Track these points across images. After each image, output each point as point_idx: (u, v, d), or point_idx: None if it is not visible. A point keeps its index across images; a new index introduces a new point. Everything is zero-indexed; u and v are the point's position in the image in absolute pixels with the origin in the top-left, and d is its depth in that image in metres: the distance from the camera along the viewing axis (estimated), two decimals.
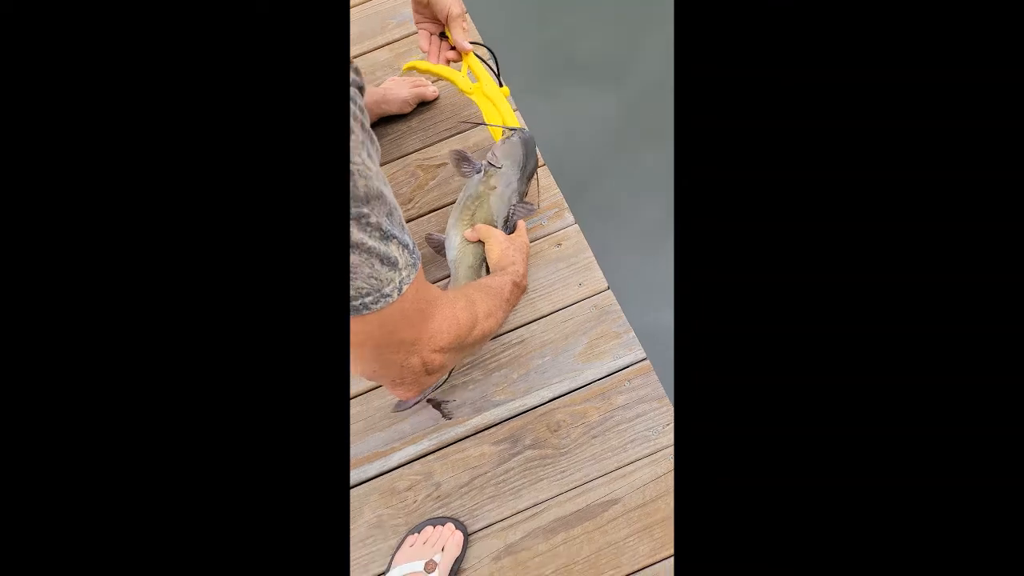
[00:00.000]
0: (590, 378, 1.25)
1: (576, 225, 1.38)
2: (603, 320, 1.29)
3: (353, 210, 0.52)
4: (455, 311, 0.75)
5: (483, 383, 1.26)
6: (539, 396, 1.24)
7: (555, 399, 1.24)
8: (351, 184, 0.51)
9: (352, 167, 0.51)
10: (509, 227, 0.94)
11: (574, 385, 1.24)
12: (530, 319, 1.30)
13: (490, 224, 0.93)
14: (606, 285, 1.32)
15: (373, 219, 0.55)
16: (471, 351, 0.80)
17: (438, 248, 1.02)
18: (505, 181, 0.92)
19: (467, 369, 1.27)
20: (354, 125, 0.52)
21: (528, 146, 0.91)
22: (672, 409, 1.22)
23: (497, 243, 0.92)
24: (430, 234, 1.04)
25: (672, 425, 1.21)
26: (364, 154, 0.52)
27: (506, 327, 1.30)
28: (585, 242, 1.37)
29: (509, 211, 0.94)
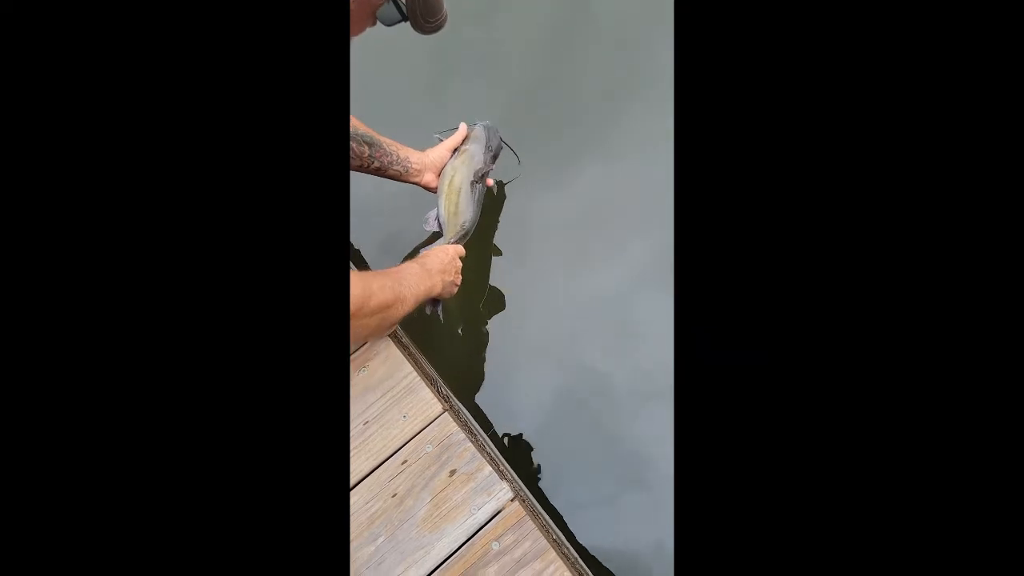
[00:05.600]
0: (445, 552, 0.87)
1: (388, 338, 1.02)
2: (445, 460, 0.93)
3: None
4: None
5: None
6: None
7: None
8: None
9: None
10: (479, 187, 1.21)
11: (425, 570, 0.86)
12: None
13: (460, 185, 1.19)
14: (441, 408, 0.96)
15: None
16: (370, 331, 0.88)
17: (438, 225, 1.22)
18: (471, 157, 1.21)
19: None
20: None
21: (489, 131, 1.24)
22: (563, 566, 0.85)
23: (433, 252, 1.09)
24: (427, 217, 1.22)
25: None
26: None
27: None
28: (400, 355, 1.01)
29: (475, 176, 1.20)
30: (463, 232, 1.20)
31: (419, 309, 1.00)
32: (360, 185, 1.22)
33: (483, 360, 1.28)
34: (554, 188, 1.38)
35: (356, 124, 1.11)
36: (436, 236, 1.22)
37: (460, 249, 1.14)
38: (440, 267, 1.04)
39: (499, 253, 1.34)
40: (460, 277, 1.12)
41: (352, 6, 0.68)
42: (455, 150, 1.23)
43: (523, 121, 1.40)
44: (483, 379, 1.25)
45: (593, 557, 1.08)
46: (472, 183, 1.19)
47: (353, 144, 1.08)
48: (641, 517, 1.10)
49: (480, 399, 1.24)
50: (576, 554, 0.99)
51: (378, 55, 1.37)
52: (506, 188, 1.37)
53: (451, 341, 1.30)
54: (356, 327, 0.81)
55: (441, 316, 1.17)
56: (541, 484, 1.16)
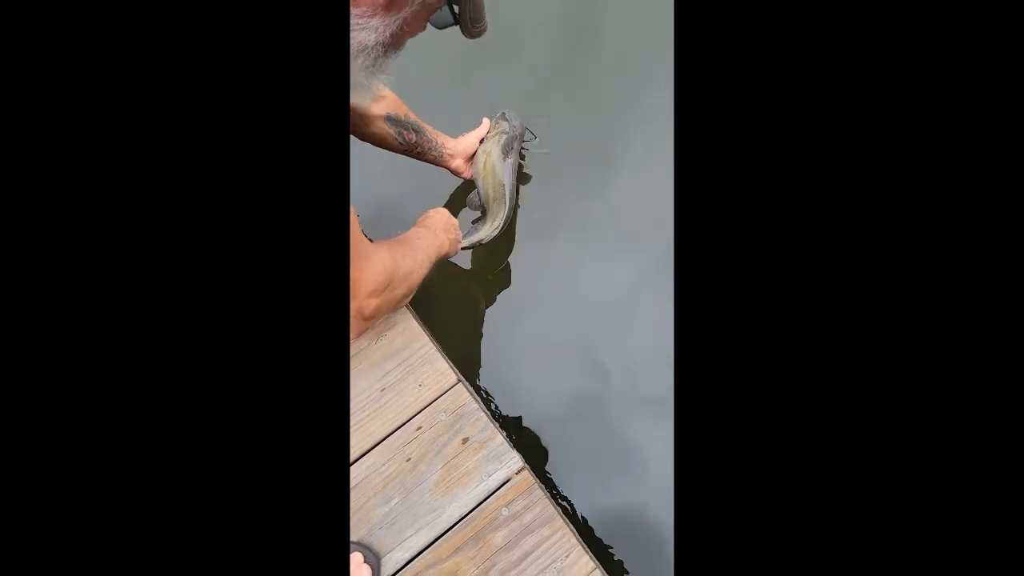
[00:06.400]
0: (456, 515, 0.91)
1: (405, 309, 1.05)
2: (458, 428, 0.96)
3: None
4: (381, 258, 0.83)
5: None
6: (393, 561, 0.89)
7: (414, 559, 0.89)
8: None
9: None
10: (510, 159, 1.29)
11: (435, 532, 0.90)
12: (361, 451, 0.95)
13: (495, 161, 1.27)
14: (455, 379, 0.99)
15: None
16: (399, 300, 0.90)
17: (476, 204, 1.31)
18: (499, 138, 1.31)
19: None
20: None
21: (508, 115, 1.33)
22: (569, 533, 0.89)
23: (431, 214, 1.13)
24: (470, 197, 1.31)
25: (573, 554, 0.88)
26: None
27: None
28: (417, 327, 1.04)
29: (503, 149, 1.29)
30: (509, 206, 1.27)
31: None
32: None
33: (480, 345, 1.30)
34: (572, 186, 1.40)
35: (408, 112, 1.16)
36: (480, 219, 1.29)
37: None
38: (443, 226, 1.10)
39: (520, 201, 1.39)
40: (461, 233, 1.18)
41: (416, 8, 0.70)
42: (482, 140, 1.30)
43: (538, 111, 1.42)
44: (482, 362, 1.28)
45: (587, 525, 1.11)
46: (503, 156, 1.28)
47: (403, 131, 1.16)
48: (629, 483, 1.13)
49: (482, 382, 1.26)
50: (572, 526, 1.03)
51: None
52: (527, 159, 1.40)
53: (451, 323, 1.32)
54: (391, 297, 0.84)
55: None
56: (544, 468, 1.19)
